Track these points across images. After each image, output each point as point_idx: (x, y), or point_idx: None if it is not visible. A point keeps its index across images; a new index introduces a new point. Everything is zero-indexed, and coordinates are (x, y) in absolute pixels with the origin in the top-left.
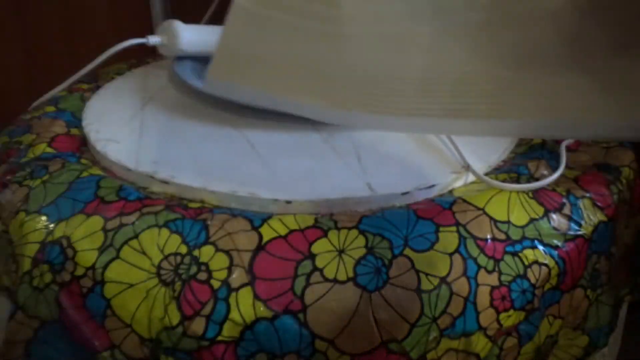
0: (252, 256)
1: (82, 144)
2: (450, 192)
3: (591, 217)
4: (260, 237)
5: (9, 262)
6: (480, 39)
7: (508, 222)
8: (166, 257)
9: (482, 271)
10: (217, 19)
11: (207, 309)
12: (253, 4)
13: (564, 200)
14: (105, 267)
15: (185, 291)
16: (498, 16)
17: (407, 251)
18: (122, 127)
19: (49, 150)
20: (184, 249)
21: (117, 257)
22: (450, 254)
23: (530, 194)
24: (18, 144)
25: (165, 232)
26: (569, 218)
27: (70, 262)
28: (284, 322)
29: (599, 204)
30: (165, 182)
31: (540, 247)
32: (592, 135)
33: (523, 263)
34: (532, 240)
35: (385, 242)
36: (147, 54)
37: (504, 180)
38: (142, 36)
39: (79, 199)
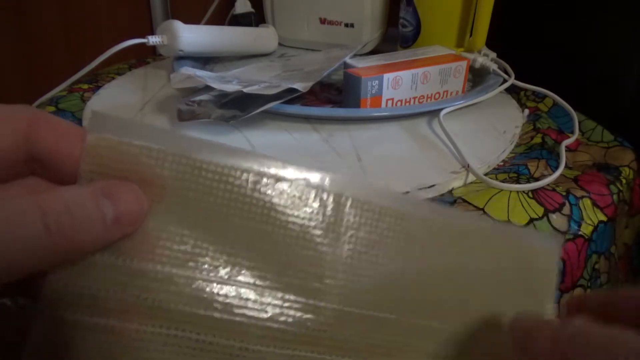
0: None
1: None
2: (450, 192)
3: (591, 217)
4: None
5: None
6: None
7: (508, 222)
8: None
9: None
10: (217, 19)
11: None
12: None
13: (564, 200)
14: None
15: None
16: None
17: None
18: None
19: None
20: None
21: None
22: None
23: (530, 194)
24: None
25: None
26: (569, 218)
27: None
28: None
29: (598, 204)
30: None
31: None
32: None
33: None
34: None
35: None
36: (147, 54)
37: (504, 180)
38: (142, 36)
39: None
